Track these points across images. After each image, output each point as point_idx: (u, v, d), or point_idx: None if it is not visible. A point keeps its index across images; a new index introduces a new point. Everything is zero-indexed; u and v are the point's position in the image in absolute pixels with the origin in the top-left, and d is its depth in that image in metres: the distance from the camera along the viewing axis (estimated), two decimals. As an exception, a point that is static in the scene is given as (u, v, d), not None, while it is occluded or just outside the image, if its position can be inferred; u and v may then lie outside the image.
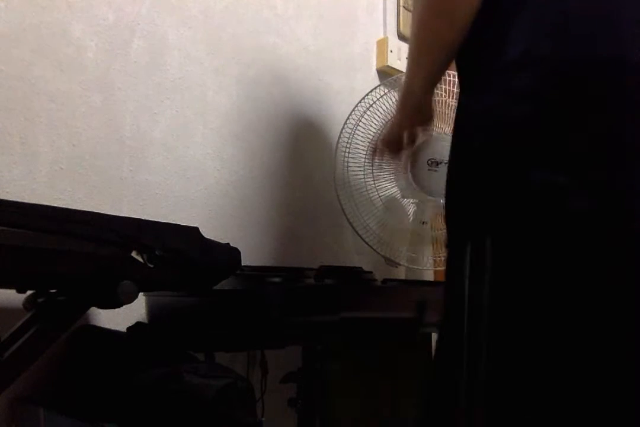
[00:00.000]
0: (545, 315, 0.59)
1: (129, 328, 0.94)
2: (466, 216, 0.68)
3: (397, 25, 1.66)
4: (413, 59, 0.76)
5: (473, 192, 0.67)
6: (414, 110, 0.85)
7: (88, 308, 0.78)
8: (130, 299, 0.70)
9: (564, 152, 0.60)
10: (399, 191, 1.35)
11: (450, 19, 0.67)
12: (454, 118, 0.73)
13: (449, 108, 1.28)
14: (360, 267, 1.16)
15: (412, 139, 0.95)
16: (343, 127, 1.33)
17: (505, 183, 0.63)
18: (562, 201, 0.59)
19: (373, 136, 1.32)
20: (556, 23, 0.62)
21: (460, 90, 0.74)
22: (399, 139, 0.93)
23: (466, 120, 0.70)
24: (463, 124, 0.70)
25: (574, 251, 0.59)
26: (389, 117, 1.32)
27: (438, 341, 0.72)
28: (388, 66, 1.57)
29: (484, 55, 0.67)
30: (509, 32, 0.64)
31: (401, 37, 1.65)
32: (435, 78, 0.78)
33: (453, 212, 0.71)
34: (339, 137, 1.33)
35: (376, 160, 1.29)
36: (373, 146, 1.03)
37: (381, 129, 1.32)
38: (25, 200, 0.83)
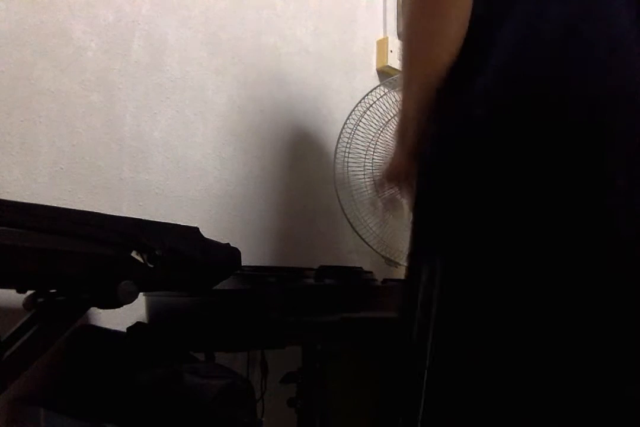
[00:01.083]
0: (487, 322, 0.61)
1: (129, 328, 0.94)
2: (422, 234, 0.71)
3: (397, 25, 1.67)
4: (405, 85, 0.76)
5: (428, 211, 0.70)
6: (414, 144, 0.84)
7: (88, 308, 0.78)
8: (130, 299, 0.70)
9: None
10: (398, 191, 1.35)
11: (439, 40, 0.68)
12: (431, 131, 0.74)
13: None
14: (360, 267, 1.16)
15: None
16: (343, 127, 1.33)
17: (453, 199, 0.65)
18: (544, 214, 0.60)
19: (373, 136, 1.33)
20: (534, 45, 0.63)
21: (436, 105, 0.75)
22: (403, 175, 0.93)
23: (439, 134, 0.71)
24: (436, 137, 0.72)
25: (516, 265, 0.61)
26: (389, 117, 1.33)
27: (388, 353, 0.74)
28: (388, 66, 1.57)
29: (462, 71, 0.68)
30: (492, 44, 0.65)
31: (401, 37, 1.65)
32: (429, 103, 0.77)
33: (415, 230, 0.73)
34: (339, 137, 1.33)
35: (376, 158, 1.29)
36: (378, 180, 1.02)
37: (381, 129, 1.33)
38: (25, 200, 0.83)
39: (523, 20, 0.64)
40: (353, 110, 1.34)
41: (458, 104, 0.67)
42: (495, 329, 0.61)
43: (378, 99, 1.34)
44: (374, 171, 1.33)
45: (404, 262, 1.35)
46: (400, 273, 1.45)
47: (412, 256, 0.74)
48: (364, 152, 1.32)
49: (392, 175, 0.92)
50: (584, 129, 0.60)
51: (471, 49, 0.67)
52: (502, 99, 0.63)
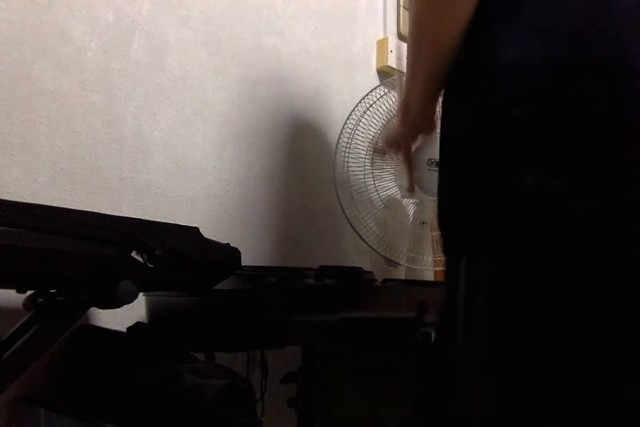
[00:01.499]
0: (548, 326, 0.59)
1: (129, 328, 0.94)
2: (460, 227, 0.67)
3: (397, 25, 1.67)
4: (412, 59, 0.75)
5: (464, 202, 0.66)
6: (415, 122, 0.83)
7: (88, 308, 0.78)
8: (130, 299, 0.70)
9: (556, 156, 0.59)
10: (399, 191, 1.35)
11: (448, 19, 0.67)
12: (443, 119, 0.72)
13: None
14: (360, 267, 1.16)
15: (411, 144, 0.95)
16: (343, 127, 1.33)
17: (496, 192, 0.61)
18: (560, 205, 0.58)
19: (373, 136, 1.32)
20: (549, 28, 0.61)
21: (447, 94, 0.72)
22: (400, 144, 0.93)
23: (455, 125, 0.68)
24: (452, 129, 0.69)
25: (578, 258, 0.58)
26: (389, 117, 1.33)
27: (432, 353, 0.72)
28: (388, 66, 1.57)
29: (473, 60, 0.66)
30: (500, 36, 0.63)
31: (401, 37, 1.65)
32: (434, 88, 0.76)
33: (446, 222, 0.70)
34: (339, 137, 1.33)
35: (376, 158, 1.29)
36: (374, 146, 1.03)
37: (381, 129, 1.32)
38: (25, 200, 0.84)
39: None
40: (353, 110, 1.34)
41: (485, 82, 0.63)
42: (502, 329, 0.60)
43: (378, 99, 1.34)
44: (373, 171, 1.33)
45: (404, 262, 1.35)
46: (401, 273, 1.45)
47: (449, 245, 0.69)
48: (364, 152, 1.32)
49: (392, 143, 0.93)
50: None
51: (486, 20, 0.64)
52: (545, 70, 0.59)
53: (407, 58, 0.75)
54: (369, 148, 1.29)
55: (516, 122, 0.60)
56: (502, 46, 0.62)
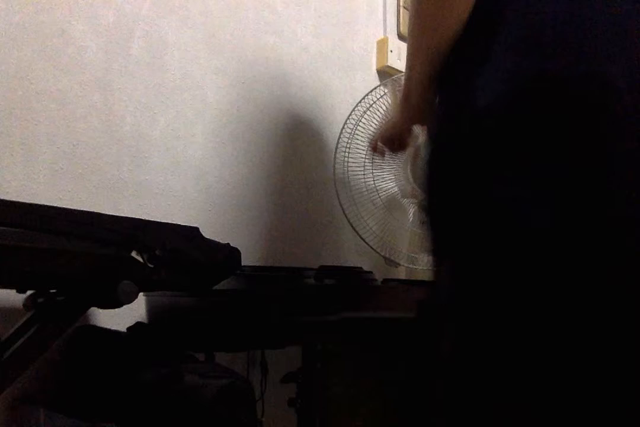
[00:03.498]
0: (511, 324, 0.61)
1: (129, 328, 0.94)
2: (437, 231, 0.70)
3: (397, 25, 1.67)
4: (412, 51, 0.76)
5: (441, 206, 0.69)
6: (416, 109, 0.85)
7: (88, 308, 0.78)
8: (130, 299, 0.70)
9: (525, 166, 0.60)
10: (399, 191, 1.35)
11: (449, 10, 0.67)
12: (435, 114, 0.73)
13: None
14: (360, 267, 1.16)
15: (409, 138, 0.95)
16: (343, 127, 1.33)
17: (469, 199, 0.64)
18: (523, 217, 0.59)
19: (373, 136, 1.32)
20: (534, 37, 0.62)
21: (438, 102, 0.74)
22: (399, 138, 0.94)
23: (439, 129, 0.70)
24: (436, 133, 0.71)
25: (537, 268, 0.60)
26: (389, 117, 1.32)
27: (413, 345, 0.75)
28: (388, 66, 1.57)
29: (459, 68, 0.68)
30: (487, 45, 0.64)
31: (401, 37, 1.65)
32: (433, 78, 0.78)
33: (429, 224, 0.72)
34: (339, 137, 1.33)
35: (376, 158, 1.29)
36: (372, 143, 1.03)
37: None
38: (25, 200, 0.83)
39: None
40: (353, 110, 1.34)
41: (462, 93, 0.65)
42: (501, 330, 0.61)
43: (378, 99, 1.34)
44: (373, 171, 1.33)
45: (404, 262, 1.35)
46: (401, 273, 1.45)
47: (432, 247, 0.72)
48: (364, 152, 1.32)
49: (389, 136, 0.95)
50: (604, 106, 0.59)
51: (483, 15, 0.65)
52: (531, 73, 0.61)
53: (407, 48, 0.76)
54: (368, 145, 1.30)
55: (488, 132, 0.62)
56: (486, 56, 0.64)
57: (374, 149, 1.03)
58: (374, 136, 1.08)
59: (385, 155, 1.05)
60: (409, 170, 1.26)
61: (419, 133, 0.96)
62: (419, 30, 0.71)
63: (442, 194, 0.68)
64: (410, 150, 1.27)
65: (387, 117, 1.33)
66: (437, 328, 0.68)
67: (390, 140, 0.96)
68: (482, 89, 0.63)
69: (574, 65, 0.60)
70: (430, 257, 0.73)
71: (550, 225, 0.58)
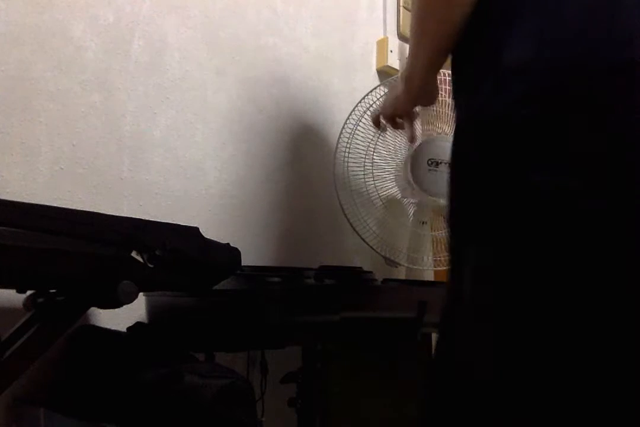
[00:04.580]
0: (555, 319, 0.58)
1: (129, 328, 0.94)
2: (469, 222, 0.68)
3: (397, 25, 1.67)
4: (415, 39, 0.76)
5: (475, 197, 0.66)
6: (419, 91, 0.85)
7: (88, 308, 0.78)
8: (130, 299, 0.70)
9: (566, 154, 0.59)
10: (399, 191, 1.35)
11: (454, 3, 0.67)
12: (454, 119, 0.73)
13: (449, 108, 1.28)
14: (360, 267, 1.16)
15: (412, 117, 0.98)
16: (343, 127, 1.33)
17: (507, 187, 0.62)
18: (570, 203, 0.58)
19: (373, 136, 1.32)
20: (556, 27, 0.61)
21: (456, 91, 0.73)
22: (402, 115, 0.95)
23: (466, 122, 0.69)
24: (463, 126, 0.70)
25: (585, 255, 0.58)
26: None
27: (438, 343, 0.72)
28: (388, 66, 1.57)
29: (481, 57, 0.67)
30: (508, 34, 0.63)
31: (401, 37, 1.65)
32: (438, 58, 0.77)
33: (455, 216, 0.71)
34: (339, 137, 1.33)
35: (376, 158, 1.29)
36: (374, 118, 1.04)
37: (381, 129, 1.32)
38: (25, 200, 0.83)
39: None
40: (353, 110, 1.34)
41: (493, 82, 0.64)
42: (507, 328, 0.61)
43: (378, 99, 1.33)
44: (373, 171, 1.33)
45: (404, 262, 1.35)
46: (401, 273, 1.45)
47: (457, 239, 0.70)
48: (364, 152, 1.32)
49: (391, 115, 0.96)
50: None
51: (491, 20, 0.65)
52: (553, 70, 0.60)
53: (410, 38, 0.76)
54: (369, 148, 1.30)
55: (524, 121, 0.61)
56: (508, 47, 0.63)
57: (376, 124, 1.04)
58: (375, 111, 1.09)
59: (387, 131, 1.06)
60: (408, 170, 1.26)
61: (419, 134, 0.97)
62: (422, 19, 0.72)
63: (480, 186, 0.65)
64: (410, 151, 1.27)
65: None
66: (465, 329, 0.65)
67: (392, 119, 0.97)
68: (511, 80, 0.62)
69: (601, 52, 0.59)
70: (451, 251, 0.71)
71: (603, 207, 0.57)
